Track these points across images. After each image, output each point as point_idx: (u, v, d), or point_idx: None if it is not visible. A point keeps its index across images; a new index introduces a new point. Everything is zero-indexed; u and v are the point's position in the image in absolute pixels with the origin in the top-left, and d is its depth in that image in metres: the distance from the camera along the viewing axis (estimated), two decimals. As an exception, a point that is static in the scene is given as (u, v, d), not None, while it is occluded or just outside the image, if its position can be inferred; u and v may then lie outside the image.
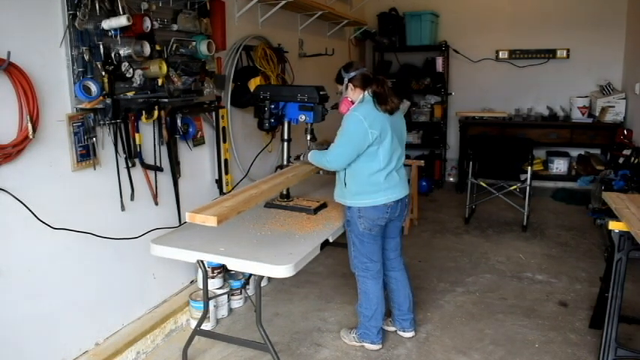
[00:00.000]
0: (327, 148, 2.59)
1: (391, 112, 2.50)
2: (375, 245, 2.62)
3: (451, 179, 6.50)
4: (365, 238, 2.58)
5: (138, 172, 2.70)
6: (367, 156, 2.48)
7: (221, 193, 3.38)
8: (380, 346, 2.75)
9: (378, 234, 2.61)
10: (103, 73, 2.33)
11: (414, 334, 2.87)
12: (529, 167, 4.59)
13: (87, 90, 2.27)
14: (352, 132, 2.43)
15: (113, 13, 2.34)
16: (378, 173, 2.50)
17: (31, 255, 2.16)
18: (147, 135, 2.73)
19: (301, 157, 2.91)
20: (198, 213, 2.12)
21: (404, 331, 2.87)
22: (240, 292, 3.21)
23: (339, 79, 2.60)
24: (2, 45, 1.93)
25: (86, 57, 2.27)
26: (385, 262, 2.77)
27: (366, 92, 2.52)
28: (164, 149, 2.86)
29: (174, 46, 2.77)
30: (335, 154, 2.50)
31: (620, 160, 4.85)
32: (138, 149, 2.66)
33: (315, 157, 2.68)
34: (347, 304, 3.26)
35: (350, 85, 2.55)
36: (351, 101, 2.56)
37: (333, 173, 2.72)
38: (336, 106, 2.70)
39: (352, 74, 2.54)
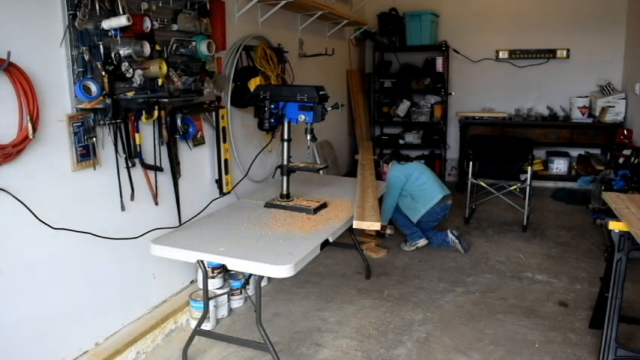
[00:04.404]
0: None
1: None
2: None
3: (451, 179, 6.50)
4: None
5: (138, 172, 2.70)
6: None
7: (221, 193, 3.38)
8: (427, 241, 4.13)
9: None
10: (103, 73, 2.33)
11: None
12: (529, 167, 4.59)
13: (87, 90, 2.27)
14: None
15: (113, 13, 2.34)
16: None
17: (31, 255, 2.16)
18: (147, 135, 2.73)
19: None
20: (362, 221, 2.77)
21: None
22: (240, 292, 3.21)
23: None
24: (2, 45, 1.93)
25: (86, 57, 2.27)
26: None
27: None
28: (164, 149, 2.86)
29: (174, 46, 2.77)
30: None
31: (620, 160, 4.86)
32: (138, 149, 2.65)
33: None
34: (347, 304, 3.26)
35: None
36: None
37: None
38: (336, 106, 3.12)
39: None
